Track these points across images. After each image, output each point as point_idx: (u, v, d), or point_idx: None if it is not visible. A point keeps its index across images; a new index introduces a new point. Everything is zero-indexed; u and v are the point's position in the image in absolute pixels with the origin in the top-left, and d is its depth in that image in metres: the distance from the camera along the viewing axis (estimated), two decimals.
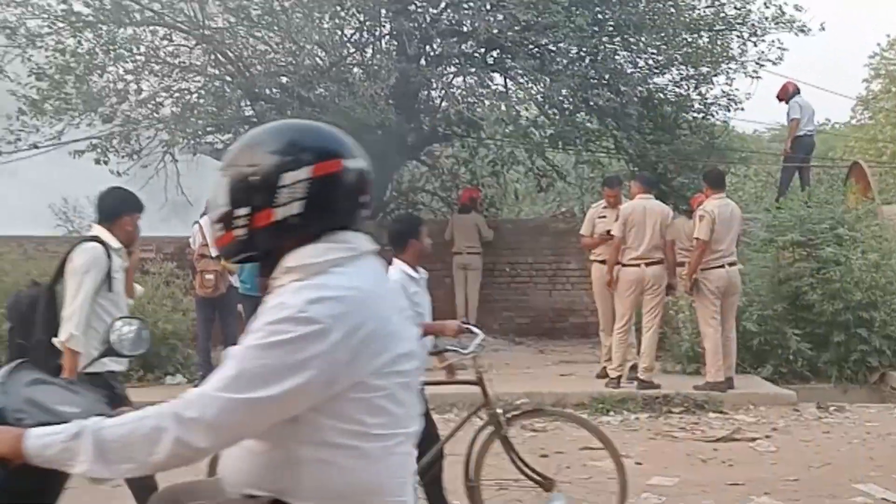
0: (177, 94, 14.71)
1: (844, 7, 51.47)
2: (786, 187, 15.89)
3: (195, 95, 14.53)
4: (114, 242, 5.90)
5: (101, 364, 5.00)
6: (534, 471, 6.32)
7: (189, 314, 12.30)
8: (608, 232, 11.55)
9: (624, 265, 11.15)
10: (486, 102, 14.46)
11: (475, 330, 6.45)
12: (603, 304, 11.80)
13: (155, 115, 14.49)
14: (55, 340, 5.68)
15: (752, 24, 15.97)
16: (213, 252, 11.48)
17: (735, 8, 16.03)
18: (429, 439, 5.93)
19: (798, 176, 16.32)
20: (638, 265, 11.05)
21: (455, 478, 6.41)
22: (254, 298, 11.28)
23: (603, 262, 11.62)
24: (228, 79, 14.37)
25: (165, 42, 14.50)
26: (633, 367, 11.34)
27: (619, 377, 11.12)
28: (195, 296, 11.83)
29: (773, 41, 16.07)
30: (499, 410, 6.32)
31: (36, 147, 14.46)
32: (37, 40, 13.87)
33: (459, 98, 14.81)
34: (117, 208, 5.97)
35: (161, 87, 14.71)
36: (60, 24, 13.91)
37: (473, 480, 6.36)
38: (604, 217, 11.86)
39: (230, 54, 14.21)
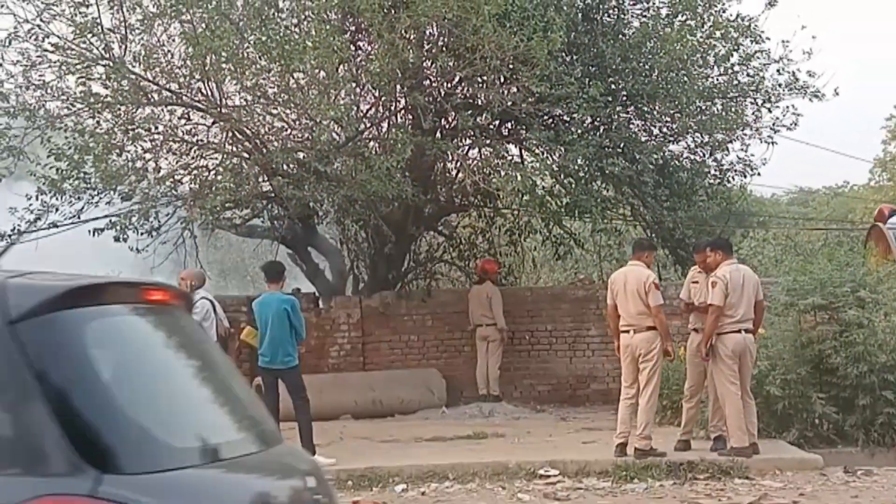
0: (195, 172, 14.82)
1: (861, 70, 51.68)
2: None
3: (213, 172, 14.65)
4: None
5: None
6: None
7: None
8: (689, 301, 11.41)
9: (620, 331, 11.07)
10: (502, 173, 14.57)
11: None
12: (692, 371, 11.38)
13: (173, 192, 14.62)
14: None
15: (766, 91, 16.05)
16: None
17: (748, 75, 16.15)
18: None
19: None
20: (627, 331, 10.92)
21: None
22: (273, 371, 11.25)
23: (695, 330, 11.29)
24: (246, 155, 14.51)
25: (183, 121, 14.67)
26: (717, 439, 11.08)
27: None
28: None
29: (787, 107, 16.17)
30: None
31: (55, 226, 14.57)
32: (56, 122, 14.05)
33: (475, 169, 14.93)
34: None
35: (179, 164, 14.84)
36: (79, 106, 14.09)
37: None
38: (696, 282, 11.47)
39: (247, 131, 14.37)
